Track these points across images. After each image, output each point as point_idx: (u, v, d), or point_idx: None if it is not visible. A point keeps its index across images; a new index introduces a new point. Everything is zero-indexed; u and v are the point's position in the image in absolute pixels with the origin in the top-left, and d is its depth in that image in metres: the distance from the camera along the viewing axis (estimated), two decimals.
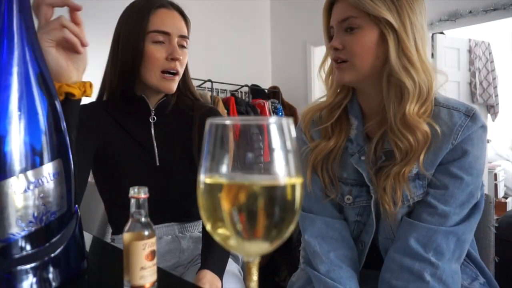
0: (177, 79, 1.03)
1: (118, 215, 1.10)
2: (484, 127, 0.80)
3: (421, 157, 0.78)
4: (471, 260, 0.89)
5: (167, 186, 1.05)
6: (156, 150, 1.06)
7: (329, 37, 0.87)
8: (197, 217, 1.13)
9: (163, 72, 0.99)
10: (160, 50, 0.98)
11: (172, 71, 1.00)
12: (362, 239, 0.90)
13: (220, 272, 0.93)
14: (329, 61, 0.91)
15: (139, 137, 1.06)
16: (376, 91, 0.84)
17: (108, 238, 1.40)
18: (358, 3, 0.77)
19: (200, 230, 1.13)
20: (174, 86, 1.02)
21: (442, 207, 0.79)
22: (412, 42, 0.78)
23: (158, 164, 1.06)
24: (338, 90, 0.92)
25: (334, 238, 0.88)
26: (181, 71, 1.03)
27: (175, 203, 1.08)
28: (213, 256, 0.95)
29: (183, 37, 1.02)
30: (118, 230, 1.12)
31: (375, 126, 0.87)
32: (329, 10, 0.86)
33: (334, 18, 0.84)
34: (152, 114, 1.07)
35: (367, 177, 0.86)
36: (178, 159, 1.07)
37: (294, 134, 0.36)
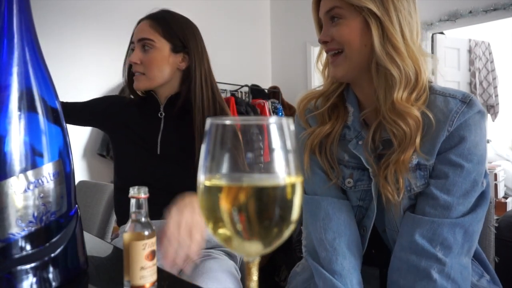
0: (143, 78, 1.14)
1: (121, 201, 1.17)
2: (481, 113, 0.78)
3: (417, 141, 0.78)
4: (475, 256, 0.87)
5: (165, 175, 1.13)
6: (159, 139, 1.16)
7: (320, 31, 0.88)
8: None
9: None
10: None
11: (136, 72, 1.16)
12: (364, 223, 0.89)
13: None
14: (325, 53, 0.92)
15: (146, 127, 1.18)
16: (368, 82, 0.84)
17: (108, 238, 1.40)
18: None
19: None
20: (138, 84, 1.16)
21: (444, 197, 0.77)
22: (398, 28, 0.78)
23: (159, 152, 1.15)
24: (334, 80, 0.92)
25: (341, 220, 0.86)
26: (146, 71, 1.14)
27: (173, 196, 1.10)
28: None
29: (141, 40, 1.13)
30: (122, 220, 1.20)
31: (371, 114, 0.87)
32: (317, 3, 0.88)
33: (321, 10, 0.85)
34: (161, 108, 1.19)
35: (366, 161, 0.85)
36: (178, 152, 1.15)
37: (294, 134, 0.36)
